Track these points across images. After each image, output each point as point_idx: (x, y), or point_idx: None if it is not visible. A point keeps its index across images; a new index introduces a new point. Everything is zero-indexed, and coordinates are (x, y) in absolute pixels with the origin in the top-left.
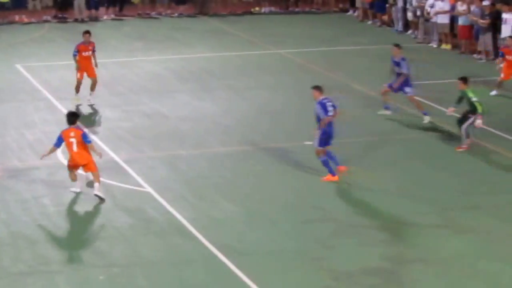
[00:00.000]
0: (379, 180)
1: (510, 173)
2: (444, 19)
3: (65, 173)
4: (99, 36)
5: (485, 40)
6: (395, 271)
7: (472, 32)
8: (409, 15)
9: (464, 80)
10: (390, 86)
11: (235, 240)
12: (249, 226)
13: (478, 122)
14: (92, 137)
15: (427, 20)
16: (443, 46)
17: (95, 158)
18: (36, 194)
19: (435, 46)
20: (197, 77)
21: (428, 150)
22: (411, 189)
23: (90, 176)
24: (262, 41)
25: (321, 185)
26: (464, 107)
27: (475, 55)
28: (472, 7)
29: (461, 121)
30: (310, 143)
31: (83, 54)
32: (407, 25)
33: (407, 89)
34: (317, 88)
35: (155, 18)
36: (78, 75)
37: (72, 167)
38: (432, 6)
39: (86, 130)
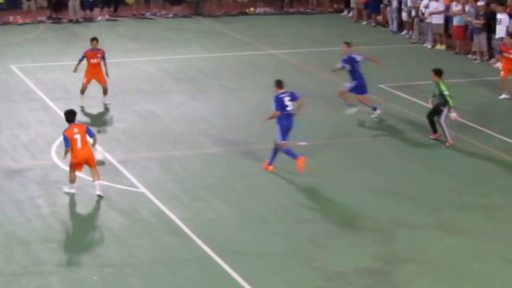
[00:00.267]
0: (371, 181)
1: (503, 173)
2: (438, 20)
3: (60, 173)
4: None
5: (480, 40)
6: (388, 271)
7: (467, 32)
8: (404, 15)
9: (437, 72)
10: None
11: (228, 240)
12: (242, 226)
13: (454, 115)
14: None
15: (421, 20)
16: (438, 46)
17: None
18: (30, 195)
19: (429, 46)
20: (191, 77)
21: (421, 150)
22: (403, 189)
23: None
24: (256, 41)
25: (314, 185)
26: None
27: (469, 56)
28: (467, 8)
29: (432, 113)
30: (304, 143)
31: (91, 61)
32: (401, 25)
33: (347, 84)
34: (277, 82)
35: (149, 18)
36: (85, 80)
37: (76, 165)
38: (426, 7)
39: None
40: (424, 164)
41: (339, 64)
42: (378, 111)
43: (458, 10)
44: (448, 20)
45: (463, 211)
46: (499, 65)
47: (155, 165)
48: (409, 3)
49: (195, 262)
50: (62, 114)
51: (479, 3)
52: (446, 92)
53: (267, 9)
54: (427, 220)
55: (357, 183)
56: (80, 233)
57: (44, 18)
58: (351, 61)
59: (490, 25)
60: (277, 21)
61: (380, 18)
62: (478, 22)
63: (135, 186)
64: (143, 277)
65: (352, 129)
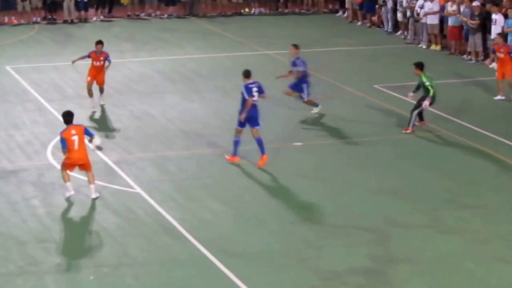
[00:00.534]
0: (366, 181)
1: (498, 173)
2: (433, 20)
3: (55, 174)
4: (88, 38)
5: (475, 41)
6: (382, 271)
7: (462, 33)
8: (399, 15)
9: (419, 65)
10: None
11: (223, 240)
12: (237, 226)
13: (425, 103)
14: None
15: (416, 20)
16: (433, 47)
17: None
18: (25, 195)
19: (424, 47)
20: (186, 78)
21: (416, 150)
22: (398, 189)
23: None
24: (251, 42)
25: (309, 185)
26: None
27: (464, 56)
28: (462, 8)
29: (416, 107)
30: (299, 144)
31: (94, 63)
32: (396, 26)
33: (293, 85)
34: (245, 72)
35: (144, 19)
36: (88, 78)
37: (69, 166)
38: (422, 7)
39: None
40: (419, 164)
41: (290, 68)
42: (317, 108)
43: (453, 11)
44: (443, 20)
45: (458, 211)
46: (494, 65)
47: (150, 165)
48: (404, 4)
49: (190, 262)
50: (57, 115)
51: (474, 4)
52: (427, 83)
53: (262, 10)
54: (422, 220)
55: (352, 183)
56: (76, 233)
57: (38, 19)
58: (295, 65)
59: (485, 26)
60: (272, 22)
61: (375, 18)
62: (473, 23)
63: (130, 187)
64: (139, 277)
65: (347, 130)
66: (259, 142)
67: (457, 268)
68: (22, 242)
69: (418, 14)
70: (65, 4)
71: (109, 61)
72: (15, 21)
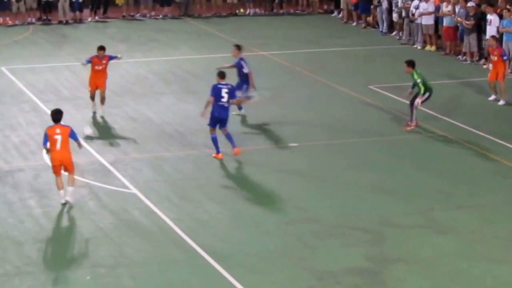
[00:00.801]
0: (362, 181)
1: (492, 173)
2: (428, 20)
3: (51, 174)
4: (83, 39)
5: (470, 41)
6: (378, 271)
7: (457, 33)
8: (395, 16)
9: (410, 63)
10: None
11: (219, 240)
12: (233, 227)
13: (417, 101)
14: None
15: (412, 21)
16: (428, 47)
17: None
18: (22, 195)
19: (419, 47)
20: (181, 79)
21: (411, 150)
22: (393, 189)
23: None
24: (246, 43)
25: (305, 186)
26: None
27: (459, 57)
28: (457, 8)
29: (412, 103)
30: (295, 144)
31: (96, 67)
32: (391, 26)
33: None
34: (219, 73)
35: (139, 20)
36: (90, 88)
37: (54, 168)
38: (417, 7)
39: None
40: (414, 164)
41: (245, 67)
42: (241, 111)
43: (448, 11)
44: (438, 21)
45: (453, 211)
46: (490, 66)
47: (146, 166)
48: (400, 4)
49: (186, 262)
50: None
51: (469, 4)
52: (418, 80)
53: (257, 10)
54: (417, 220)
55: (348, 183)
56: (72, 233)
57: (33, 20)
58: (240, 66)
59: (480, 26)
60: (267, 23)
61: (370, 19)
62: (468, 23)
63: (126, 187)
64: (136, 277)
65: (342, 130)
66: (228, 137)
67: (453, 268)
68: (19, 243)
69: (413, 15)
70: (59, 5)
71: (114, 57)
72: (10, 22)
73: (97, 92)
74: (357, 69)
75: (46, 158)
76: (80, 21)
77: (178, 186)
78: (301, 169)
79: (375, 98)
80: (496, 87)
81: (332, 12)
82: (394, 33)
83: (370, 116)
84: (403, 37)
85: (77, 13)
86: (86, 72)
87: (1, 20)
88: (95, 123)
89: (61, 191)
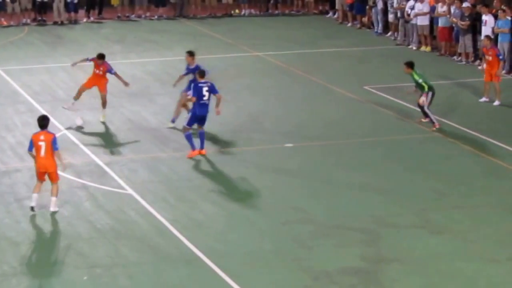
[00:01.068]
0: (357, 182)
1: (486, 174)
2: (424, 21)
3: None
4: (78, 39)
5: (465, 42)
6: (373, 271)
7: (452, 34)
8: (391, 16)
9: (409, 64)
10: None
11: (215, 240)
12: (229, 227)
13: (422, 99)
14: (73, 139)
15: (407, 21)
16: (423, 48)
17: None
18: (18, 196)
19: (414, 48)
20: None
21: (405, 151)
22: (388, 190)
23: None
24: (241, 43)
25: (300, 186)
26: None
27: (454, 57)
28: (452, 9)
29: (421, 106)
30: (290, 145)
31: (95, 71)
32: (386, 27)
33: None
34: (199, 72)
35: (134, 20)
36: (85, 82)
37: (41, 175)
38: (412, 8)
39: (57, 136)
40: (408, 165)
41: (184, 72)
42: (173, 124)
43: (444, 11)
44: (433, 21)
45: (447, 211)
46: (484, 66)
47: (142, 166)
48: (395, 4)
49: (183, 262)
50: (49, 116)
51: (465, 5)
52: (420, 80)
53: (252, 11)
54: (412, 220)
55: (343, 184)
56: (69, 234)
57: (28, 20)
58: (195, 71)
59: (475, 27)
60: (262, 23)
61: (365, 19)
62: (464, 24)
63: (122, 188)
64: (132, 277)
65: (338, 131)
66: (201, 135)
67: (447, 268)
68: (15, 243)
69: (408, 15)
70: (54, 6)
71: (113, 73)
72: (5, 23)
73: (98, 95)
74: (352, 70)
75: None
76: (75, 22)
77: (173, 186)
78: (296, 170)
79: (370, 99)
80: (489, 86)
81: (327, 12)
82: (389, 33)
83: (365, 117)
84: (398, 38)
85: (72, 13)
86: (81, 73)
87: None
88: (89, 123)
89: (35, 195)
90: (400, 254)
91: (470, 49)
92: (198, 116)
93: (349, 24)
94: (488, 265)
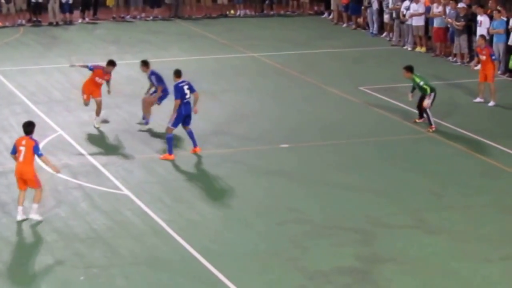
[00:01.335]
0: (352, 182)
1: (480, 174)
2: (419, 21)
3: (43, 176)
4: (73, 40)
5: (460, 42)
6: (368, 270)
7: (447, 34)
8: (386, 17)
9: (408, 68)
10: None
11: (211, 241)
12: (225, 227)
13: (427, 102)
14: (69, 140)
15: (402, 22)
16: (418, 49)
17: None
18: (15, 196)
19: (409, 49)
20: (172, 80)
21: (400, 151)
22: (383, 190)
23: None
24: (237, 44)
25: (296, 187)
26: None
27: (449, 58)
28: (448, 9)
29: (419, 105)
30: (286, 145)
31: (96, 79)
32: (382, 27)
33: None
34: (176, 72)
35: (129, 21)
36: (85, 96)
37: (20, 182)
38: (407, 9)
39: (39, 142)
40: (403, 165)
41: (154, 81)
42: (146, 125)
43: (439, 12)
44: (428, 22)
45: (442, 211)
46: (479, 67)
47: (138, 167)
48: (390, 5)
49: (179, 262)
50: (44, 117)
51: (460, 5)
52: (421, 83)
53: (247, 12)
54: (407, 220)
55: (338, 184)
56: (65, 234)
57: (23, 21)
58: (151, 80)
59: (470, 27)
60: (257, 24)
61: (360, 20)
62: (459, 24)
63: (118, 188)
64: (129, 277)
65: (333, 131)
66: (191, 134)
67: (442, 267)
68: (12, 243)
69: (403, 16)
70: (49, 6)
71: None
72: (0, 24)
73: (92, 101)
74: (347, 71)
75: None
76: (70, 22)
77: (169, 187)
78: (292, 170)
79: (365, 100)
80: (484, 87)
81: (322, 13)
82: (384, 34)
83: (360, 118)
84: (394, 39)
85: (67, 14)
86: (77, 74)
87: None
88: (86, 124)
89: (19, 207)
90: (395, 254)
91: (465, 50)
92: (184, 115)
93: (344, 25)
94: (482, 265)
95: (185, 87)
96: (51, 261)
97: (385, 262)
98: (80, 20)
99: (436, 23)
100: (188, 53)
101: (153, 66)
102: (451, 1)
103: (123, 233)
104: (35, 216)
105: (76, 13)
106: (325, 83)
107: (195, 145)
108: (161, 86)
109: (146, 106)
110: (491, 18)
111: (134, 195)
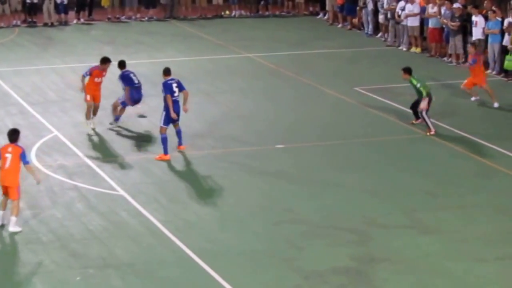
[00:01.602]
0: (347, 182)
1: (476, 174)
2: (414, 22)
3: (40, 177)
4: (68, 41)
5: (456, 43)
6: (364, 270)
7: (442, 35)
8: (381, 17)
9: (406, 70)
10: (123, 103)
11: (207, 241)
12: (221, 228)
13: (423, 104)
14: (65, 141)
15: (397, 23)
16: (413, 49)
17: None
18: None
19: (404, 49)
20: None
21: (395, 152)
22: (378, 190)
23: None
24: (232, 44)
25: (292, 187)
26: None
27: (445, 58)
28: (443, 10)
29: (413, 106)
30: (282, 146)
31: (96, 79)
32: (377, 28)
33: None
34: (164, 70)
35: (124, 22)
36: (88, 97)
37: (3, 189)
38: (403, 9)
39: (25, 149)
40: (398, 165)
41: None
42: (118, 123)
43: (434, 12)
44: (423, 22)
45: (437, 211)
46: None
47: (133, 168)
48: (385, 5)
49: (175, 263)
50: (40, 118)
51: (455, 5)
52: (418, 85)
53: (243, 12)
54: (402, 220)
55: (333, 184)
56: (61, 234)
57: (18, 22)
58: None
59: (465, 28)
60: (253, 24)
61: (355, 21)
62: (454, 25)
63: (114, 189)
64: (125, 277)
65: (328, 132)
66: (179, 133)
67: (437, 267)
68: (8, 244)
69: (399, 16)
70: (44, 7)
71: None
72: None
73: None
74: (342, 71)
75: (35, 161)
76: (65, 23)
77: (165, 187)
78: (288, 171)
79: (360, 100)
80: (474, 88)
81: (317, 14)
82: (379, 34)
83: (356, 118)
84: (389, 39)
85: (62, 15)
86: (72, 75)
87: None
88: (82, 124)
89: (1, 212)
90: (390, 254)
91: (460, 50)
92: (175, 112)
93: (340, 25)
94: (477, 265)
95: (174, 85)
96: (47, 261)
97: (381, 262)
98: (75, 21)
99: (431, 23)
100: (183, 54)
101: (149, 67)
102: (446, 2)
103: (119, 234)
104: (14, 229)
105: (71, 13)
106: (321, 83)
107: (180, 143)
108: (127, 87)
109: (113, 109)
110: (486, 18)
111: (129, 195)
